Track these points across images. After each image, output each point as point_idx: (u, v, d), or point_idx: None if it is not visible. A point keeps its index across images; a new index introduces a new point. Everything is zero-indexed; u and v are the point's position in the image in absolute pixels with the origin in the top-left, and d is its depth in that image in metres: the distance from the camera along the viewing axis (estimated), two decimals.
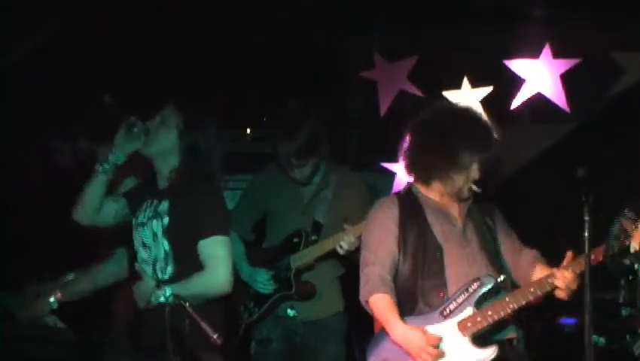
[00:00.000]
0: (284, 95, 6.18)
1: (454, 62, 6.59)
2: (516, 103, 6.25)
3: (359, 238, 5.06)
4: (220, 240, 4.78)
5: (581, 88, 6.33)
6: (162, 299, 4.60)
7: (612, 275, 5.44)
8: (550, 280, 4.43)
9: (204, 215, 4.78)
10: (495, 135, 4.66)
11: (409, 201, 4.72)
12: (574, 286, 4.40)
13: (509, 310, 4.46)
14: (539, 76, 6.36)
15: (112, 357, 5.30)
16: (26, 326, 5.33)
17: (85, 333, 5.43)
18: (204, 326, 4.48)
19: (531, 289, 4.46)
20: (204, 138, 4.96)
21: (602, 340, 5.45)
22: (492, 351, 4.47)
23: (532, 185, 5.59)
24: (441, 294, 4.58)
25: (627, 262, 5.12)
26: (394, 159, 6.16)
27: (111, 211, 5.04)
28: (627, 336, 5.33)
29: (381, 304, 4.58)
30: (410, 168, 4.73)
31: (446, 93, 6.42)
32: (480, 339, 4.50)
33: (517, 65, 6.36)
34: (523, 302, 4.46)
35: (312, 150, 5.60)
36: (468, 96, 6.36)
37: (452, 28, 6.57)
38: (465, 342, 4.51)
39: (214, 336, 4.48)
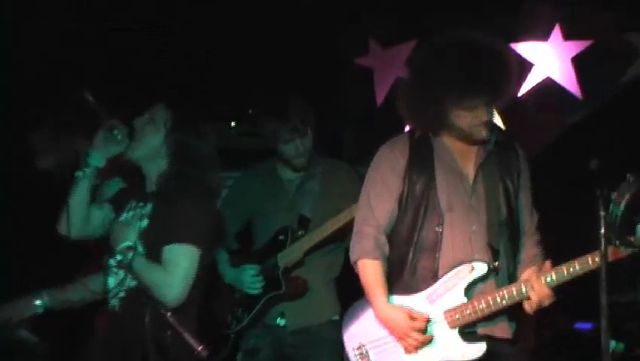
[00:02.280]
0: (269, 88, 6.20)
1: None
2: (524, 89, 6.20)
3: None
4: (184, 249, 4.69)
5: (593, 72, 6.25)
6: (119, 256, 4.64)
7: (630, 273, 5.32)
8: (525, 288, 4.36)
9: (176, 221, 4.68)
10: (509, 67, 4.44)
11: (420, 147, 4.56)
12: (546, 302, 4.35)
13: (500, 306, 4.36)
14: (548, 59, 6.32)
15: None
16: None
17: (62, 347, 5.31)
18: (187, 337, 4.34)
19: (528, 286, 4.36)
20: (194, 137, 4.88)
21: (621, 345, 5.35)
22: (479, 348, 4.39)
23: (540, 178, 5.49)
24: (430, 274, 4.50)
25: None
26: None
27: (99, 220, 4.96)
28: None
29: (369, 271, 4.52)
30: (410, 121, 4.63)
31: None
32: (468, 332, 4.43)
33: (525, 49, 6.28)
34: (517, 299, 4.36)
35: (309, 116, 5.66)
36: None
37: (452, 10, 6.35)
38: (452, 334, 4.44)
39: (199, 348, 4.31)
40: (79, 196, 4.84)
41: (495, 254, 4.44)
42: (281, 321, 5.65)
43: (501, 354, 4.46)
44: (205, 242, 4.74)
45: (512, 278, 4.46)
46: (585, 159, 3.99)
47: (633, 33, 6.19)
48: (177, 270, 4.64)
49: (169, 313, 4.37)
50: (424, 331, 4.41)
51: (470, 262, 4.41)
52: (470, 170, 4.52)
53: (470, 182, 4.50)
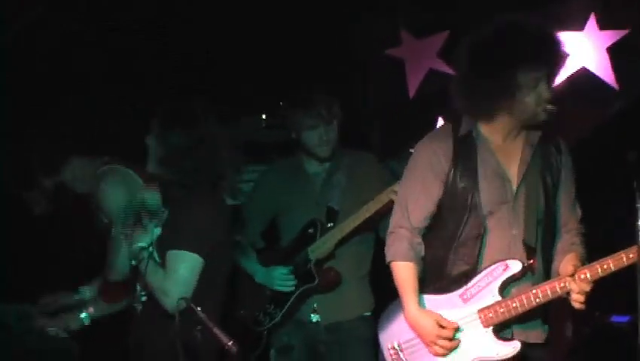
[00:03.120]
0: (299, 82, 6.19)
1: None
2: (559, 79, 6.08)
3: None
4: (181, 255, 4.79)
5: (631, 63, 6.20)
6: (133, 260, 4.93)
7: None
8: (559, 287, 4.40)
9: (174, 227, 4.86)
10: (561, 44, 4.58)
11: (464, 146, 4.55)
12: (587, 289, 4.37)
13: (534, 303, 4.40)
14: (584, 49, 6.27)
15: None
16: (25, 337, 5.44)
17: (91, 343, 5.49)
18: (217, 332, 4.39)
19: (561, 284, 4.41)
20: (184, 138, 4.94)
21: None
22: (514, 346, 4.45)
23: (577, 170, 5.50)
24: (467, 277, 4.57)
25: None
26: None
27: None
28: None
29: (402, 274, 4.58)
30: (470, 103, 4.49)
31: None
32: (502, 331, 4.49)
33: (561, 39, 6.18)
34: (551, 297, 4.40)
35: (335, 107, 5.73)
36: None
37: (485, 2, 6.31)
38: (485, 332, 4.50)
39: (229, 343, 4.37)
40: (125, 255, 5.10)
41: (530, 252, 4.48)
42: (314, 317, 5.73)
43: (534, 358, 4.55)
44: (207, 247, 4.82)
45: (548, 276, 4.51)
46: (623, 150, 4.07)
47: None
48: (174, 277, 4.76)
49: (198, 308, 4.43)
50: (452, 338, 4.49)
51: (504, 260, 4.46)
52: (514, 171, 4.55)
53: (514, 185, 4.53)
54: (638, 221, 3.91)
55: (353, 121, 5.98)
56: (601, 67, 6.24)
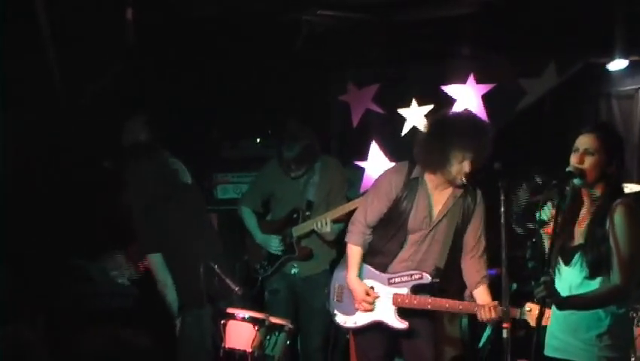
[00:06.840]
0: (285, 115, 6.22)
1: (406, 87, 6.69)
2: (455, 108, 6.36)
3: (335, 220, 5.52)
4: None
5: (496, 104, 6.43)
6: None
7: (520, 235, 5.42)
8: (475, 309, 4.49)
9: None
10: (488, 140, 4.54)
11: (411, 186, 4.68)
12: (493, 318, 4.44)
13: (428, 307, 4.62)
14: (466, 97, 6.48)
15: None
16: (103, 285, 5.49)
17: (147, 289, 5.52)
18: (229, 282, 4.64)
19: (460, 307, 4.56)
20: None
21: (515, 285, 5.38)
22: (404, 325, 4.67)
23: None
24: (385, 265, 4.69)
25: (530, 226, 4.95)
26: (364, 158, 6.63)
27: None
28: (532, 282, 5.23)
29: (352, 252, 4.82)
30: (420, 161, 4.65)
31: (400, 110, 6.71)
32: (402, 313, 4.69)
33: (451, 90, 6.59)
34: (439, 308, 4.58)
35: (306, 160, 5.77)
36: (415, 112, 6.60)
37: (404, 64, 6.70)
38: (392, 309, 4.71)
39: (236, 289, 4.64)
40: None
41: (438, 273, 4.69)
42: (294, 271, 5.89)
43: (413, 334, 4.65)
44: (155, 237, 4.94)
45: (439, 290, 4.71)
46: (491, 161, 4.24)
47: (522, 79, 6.46)
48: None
49: (216, 266, 4.61)
50: (372, 303, 4.70)
51: (422, 270, 4.66)
52: (437, 211, 4.68)
53: (434, 221, 4.68)
54: (501, 208, 3.92)
55: (322, 138, 6.03)
56: (477, 108, 6.43)
